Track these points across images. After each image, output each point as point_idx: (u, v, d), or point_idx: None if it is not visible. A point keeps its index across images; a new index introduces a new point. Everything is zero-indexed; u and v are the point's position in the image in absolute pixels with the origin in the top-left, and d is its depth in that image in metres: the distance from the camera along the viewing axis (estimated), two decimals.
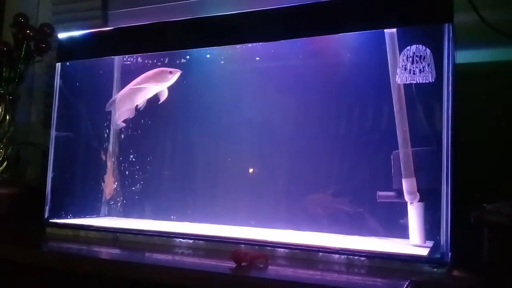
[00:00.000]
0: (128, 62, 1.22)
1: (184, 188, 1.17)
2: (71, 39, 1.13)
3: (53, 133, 1.13)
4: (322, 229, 0.96)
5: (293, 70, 1.08)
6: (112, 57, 1.21)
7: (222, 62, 1.13)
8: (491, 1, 1.00)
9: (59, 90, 1.14)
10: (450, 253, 0.75)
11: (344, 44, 0.99)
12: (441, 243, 0.76)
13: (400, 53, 0.84)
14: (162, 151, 1.22)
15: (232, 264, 0.72)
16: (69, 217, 1.12)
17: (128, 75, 1.17)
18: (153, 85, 1.08)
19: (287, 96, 1.08)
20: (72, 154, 1.20)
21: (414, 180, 0.85)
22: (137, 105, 1.11)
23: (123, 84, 1.18)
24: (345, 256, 0.78)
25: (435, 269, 0.73)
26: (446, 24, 0.79)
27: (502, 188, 0.91)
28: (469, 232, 0.77)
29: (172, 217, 1.13)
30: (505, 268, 0.74)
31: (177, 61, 1.14)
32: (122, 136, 1.24)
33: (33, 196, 1.21)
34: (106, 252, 0.90)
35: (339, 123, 1.03)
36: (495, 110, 0.99)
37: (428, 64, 0.81)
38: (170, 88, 1.10)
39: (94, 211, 1.21)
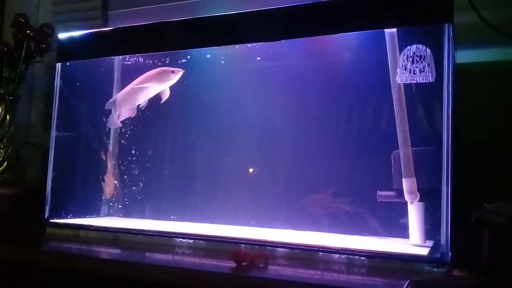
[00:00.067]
0: (128, 62, 1.22)
1: (184, 188, 1.17)
2: (71, 39, 1.13)
3: (53, 133, 1.13)
4: (322, 228, 0.96)
5: (293, 70, 1.08)
6: (112, 57, 1.21)
7: (223, 62, 1.13)
8: (491, 1, 1.00)
9: (59, 90, 1.14)
10: (450, 253, 0.75)
11: (344, 44, 0.99)
12: (441, 243, 0.76)
13: (400, 53, 0.84)
14: (163, 151, 1.22)
15: (232, 264, 0.72)
16: (69, 217, 1.12)
17: (128, 75, 1.17)
18: (155, 85, 1.08)
19: (287, 96, 1.08)
20: (72, 154, 1.20)
21: (414, 180, 0.85)
22: (139, 105, 1.11)
23: (123, 84, 1.18)
24: (345, 255, 0.78)
25: (435, 269, 0.73)
26: (446, 24, 0.79)
27: (502, 188, 0.91)
28: (469, 232, 0.77)
29: (172, 217, 1.13)
30: (505, 268, 0.74)
31: (178, 61, 1.13)
32: (122, 136, 1.24)
33: (33, 196, 1.21)
34: (106, 252, 0.90)
35: (339, 123, 1.03)
36: (495, 110, 0.99)
37: (428, 64, 0.81)
38: (170, 88, 1.10)
39: (94, 211, 1.21)
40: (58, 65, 1.14)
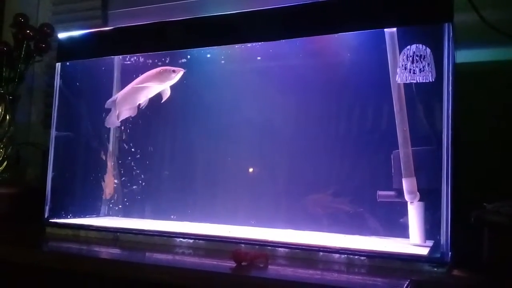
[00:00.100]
0: (128, 62, 1.22)
1: (184, 188, 1.17)
2: (71, 39, 1.13)
3: (53, 133, 1.13)
4: (322, 228, 0.96)
5: (293, 70, 1.08)
6: (112, 57, 1.21)
7: (223, 61, 1.13)
8: (491, 1, 1.00)
9: (59, 90, 1.14)
10: (450, 253, 0.75)
11: (344, 44, 0.99)
12: (441, 243, 0.76)
13: (400, 53, 0.84)
14: (162, 151, 1.22)
15: (232, 264, 0.72)
16: (69, 217, 1.12)
17: (128, 75, 1.17)
18: (156, 84, 1.08)
19: (287, 96, 1.08)
20: (72, 154, 1.20)
21: (414, 179, 0.85)
22: (139, 104, 1.11)
23: (123, 84, 1.18)
24: (345, 255, 0.78)
25: (435, 269, 0.73)
26: (446, 24, 0.79)
27: (502, 188, 0.91)
28: (469, 231, 0.77)
29: (172, 216, 1.13)
30: (505, 268, 0.74)
31: (178, 61, 1.13)
32: (122, 136, 1.24)
33: (33, 196, 1.21)
34: (106, 252, 0.90)
35: (339, 123, 1.03)
36: (495, 110, 0.99)
37: (428, 64, 0.81)
38: (170, 88, 1.10)
39: (94, 211, 1.21)
40: (58, 65, 1.14)
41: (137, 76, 1.12)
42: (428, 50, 0.82)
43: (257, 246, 0.85)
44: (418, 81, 0.82)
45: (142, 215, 1.18)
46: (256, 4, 0.95)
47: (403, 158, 0.86)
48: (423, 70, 0.81)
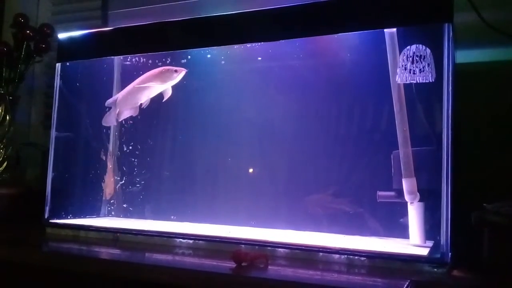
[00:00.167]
0: (128, 62, 1.22)
1: (184, 188, 1.17)
2: (71, 40, 1.13)
3: (53, 133, 1.13)
4: (322, 229, 0.96)
5: (293, 70, 1.08)
6: (112, 57, 1.21)
7: (223, 62, 1.13)
8: (490, 1, 1.00)
9: (59, 91, 1.14)
10: (450, 253, 0.75)
11: (344, 44, 0.99)
12: (441, 243, 0.76)
13: (400, 53, 0.84)
14: (163, 151, 1.22)
15: (232, 264, 0.72)
16: (69, 217, 1.12)
17: (128, 75, 1.17)
18: (158, 84, 1.07)
19: (287, 96, 1.08)
20: (72, 155, 1.20)
21: (414, 180, 0.85)
22: (141, 104, 1.11)
23: (123, 84, 1.18)
24: (345, 256, 0.78)
25: (435, 269, 0.73)
26: (446, 24, 0.79)
27: (502, 188, 0.91)
28: (469, 232, 0.77)
29: (172, 217, 1.13)
30: (505, 268, 0.74)
31: (177, 61, 1.13)
32: (122, 136, 1.24)
33: (33, 197, 1.21)
34: (106, 252, 0.90)
35: (339, 123, 1.03)
36: (495, 110, 0.99)
37: (428, 64, 0.81)
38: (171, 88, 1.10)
39: (94, 211, 1.21)
40: (58, 65, 1.14)
41: (137, 77, 1.12)
42: (428, 50, 0.82)
43: (257, 247, 0.85)
44: (418, 82, 0.82)
45: (142, 216, 1.18)
46: (256, 4, 0.95)
47: (403, 158, 0.86)
48: (423, 71, 0.81)
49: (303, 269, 0.76)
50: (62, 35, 1.14)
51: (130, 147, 1.23)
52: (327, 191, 1.01)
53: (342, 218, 0.97)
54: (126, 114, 1.13)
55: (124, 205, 1.21)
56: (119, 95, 1.14)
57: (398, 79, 0.84)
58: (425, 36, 0.84)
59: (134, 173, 1.22)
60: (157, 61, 1.15)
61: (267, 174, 1.10)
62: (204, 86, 1.14)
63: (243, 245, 0.86)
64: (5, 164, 1.33)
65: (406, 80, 0.83)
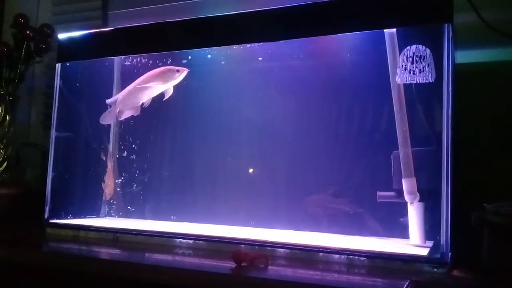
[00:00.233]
0: (128, 63, 1.22)
1: (184, 188, 1.17)
2: (71, 40, 1.13)
3: (53, 133, 1.13)
4: (322, 229, 0.96)
5: (293, 71, 1.08)
6: (112, 57, 1.21)
7: (223, 62, 1.13)
8: (490, 1, 1.00)
9: (59, 91, 1.14)
10: (450, 253, 0.75)
11: (344, 44, 0.99)
12: (441, 243, 0.76)
13: (400, 53, 0.84)
14: (163, 152, 1.22)
15: (232, 264, 0.72)
16: (69, 217, 1.12)
17: (129, 75, 1.17)
18: (160, 84, 1.07)
19: (287, 96, 1.08)
20: (72, 155, 1.20)
21: (414, 180, 0.85)
22: (142, 103, 1.11)
23: (124, 84, 1.18)
24: (345, 256, 0.78)
25: (435, 269, 0.73)
26: (446, 24, 0.79)
27: (502, 188, 0.91)
28: (469, 232, 0.77)
29: (172, 217, 1.13)
30: (505, 268, 0.74)
31: (176, 62, 1.13)
32: (122, 136, 1.24)
33: (33, 197, 1.21)
34: (106, 252, 0.90)
35: (339, 123, 1.03)
36: (495, 110, 0.99)
37: (428, 64, 0.81)
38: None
39: (94, 211, 1.21)
40: (58, 65, 1.14)
41: (137, 77, 1.12)
42: (428, 50, 0.82)
43: (257, 247, 0.85)
44: (418, 82, 0.82)
45: (142, 216, 1.18)
46: (256, 4, 0.95)
47: (403, 158, 0.86)
48: (423, 71, 0.81)
49: (303, 269, 0.76)
50: (62, 36, 1.14)
51: (130, 147, 1.23)
52: (327, 191, 1.01)
53: (342, 218, 0.97)
54: (128, 113, 1.13)
55: (124, 205, 1.21)
56: (120, 94, 1.14)
57: (398, 79, 0.84)
58: (425, 36, 0.84)
59: (134, 173, 1.22)
60: (157, 61, 1.15)
61: (267, 174, 1.10)
62: (204, 86, 1.14)
63: (243, 245, 0.86)
64: (5, 164, 1.33)
65: (406, 80, 0.83)
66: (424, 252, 0.78)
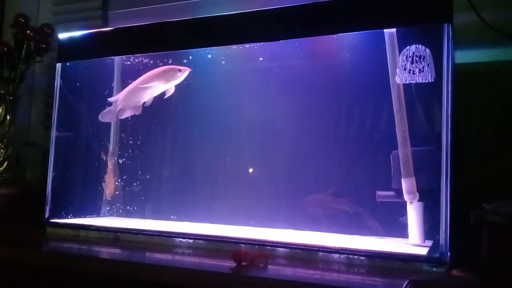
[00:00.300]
0: (129, 63, 1.22)
1: (185, 188, 1.17)
2: (72, 40, 1.13)
3: (53, 133, 1.13)
4: (322, 228, 0.97)
5: (293, 70, 1.08)
6: (113, 57, 1.21)
7: (223, 62, 1.13)
8: (490, 1, 1.00)
9: (59, 91, 1.14)
10: (449, 253, 0.75)
11: (344, 44, 0.99)
12: (440, 243, 0.76)
13: (399, 53, 0.84)
14: (163, 151, 1.22)
15: (232, 264, 0.73)
16: (69, 217, 1.12)
17: (129, 75, 1.17)
18: (162, 83, 1.07)
19: (287, 96, 1.08)
20: (72, 154, 1.20)
21: (413, 179, 0.85)
22: (144, 103, 1.11)
23: (124, 84, 1.18)
24: (345, 255, 0.79)
25: (434, 269, 0.73)
26: (446, 24, 0.79)
27: (502, 188, 0.91)
28: (468, 231, 0.77)
29: (173, 216, 1.13)
30: (504, 267, 0.74)
31: (175, 62, 1.13)
32: (122, 136, 1.24)
33: (33, 196, 1.21)
34: (107, 252, 0.91)
35: (339, 123, 1.03)
36: (495, 110, 0.99)
37: (428, 64, 0.81)
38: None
39: (95, 211, 1.21)
40: (58, 65, 1.14)
41: (137, 77, 1.12)
42: (428, 50, 0.82)
43: (257, 246, 0.85)
44: (418, 82, 0.82)
45: (142, 215, 1.18)
46: (256, 4, 0.95)
47: (403, 158, 0.86)
48: (423, 71, 0.81)
49: (302, 269, 0.76)
50: (62, 35, 1.14)
51: (131, 147, 1.23)
52: (326, 191, 1.01)
53: (342, 217, 0.98)
54: (129, 112, 1.13)
55: (125, 205, 1.22)
56: (122, 93, 1.14)
57: (397, 79, 0.85)
58: (425, 36, 0.84)
59: (135, 172, 1.22)
60: (158, 61, 1.15)
61: (267, 174, 1.10)
62: (204, 86, 1.14)
63: (243, 245, 0.86)
64: (5, 164, 1.33)
65: (406, 80, 0.83)
66: (424, 251, 0.78)
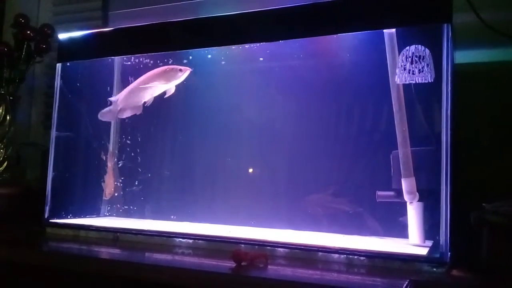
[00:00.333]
0: (129, 63, 1.22)
1: (184, 188, 1.17)
2: (72, 40, 1.13)
3: (53, 133, 1.13)
4: (322, 228, 0.97)
5: (293, 70, 1.08)
6: (113, 57, 1.21)
7: (223, 62, 1.13)
8: (489, 2, 1.00)
9: (59, 91, 1.14)
10: (449, 253, 0.75)
11: (344, 44, 0.99)
12: (441, 243, 0.76)
13: (399, 53, 0.84)
14: (163, 151, 1.22)
15: (232, 264, 0.73)
16: (69, 217, 1.12)
17: (129, 75, 1.17)
18: (162, 83, 1.07)
19: (287, 96, 1.08)
20: (72, 154, 1.20)
21: (413, 180, 0.85)
22: (144, 102, 1.11)
23: (124, 84, 1.18)
24: (345, 255, 0.78)
25: (435, 269, 0.73)
26: (445, 24, 0.79)
27: (502, 188, 0.91)
28: (468, 231, 0.77)
29: (172, 217, 1.13)
30: (504, 267, 0.74)
31: (176, 62, 1.13)
32: (122, 136, 1.24)
33: (33, 196, 1.21)
34: (106, 252, 0.91)
35: (339, 123, 1.03)
36: (495, 110, 0.99)
37: (427, 64, 0.81)
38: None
39: (94, 211, 1.21)
40: (58, 65, 1.14)
41: (137, 77, 1.12)
42: (427, 51, 0.82)
43: (256, 246, 0.85)
44: (417, 82, 0.82)
45: (142, 215, 1.18)
46: (257, 4, 0.95)
47: (402, 158, 0.86)
48: (422, 71, 0.82)
49: (302, 269, 0.76)
50: (62, 36, 1.14)
51: (130, 147, 1.23)
52: (326, 191, 1.01)
53: (342, 217, 0.98)
54: (129, 112, 1.13)
55: (124, 205, 1.21)
56: (122, 93, 1.14)
57: (397, 80, 0.85)
58: (424, 36, 0.84)
59: (134, 172, 1.22)
60: (158, 61, 1.15)
61: (267, 174, 1.10)
62: (203, 86, 1.14)
63: (242, 245, 0.86)
64: (5, 164, 1.33)
65: (405, 81, 0.83)
66: (424, 251, 0.78)
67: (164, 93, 1.09)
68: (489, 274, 0.74)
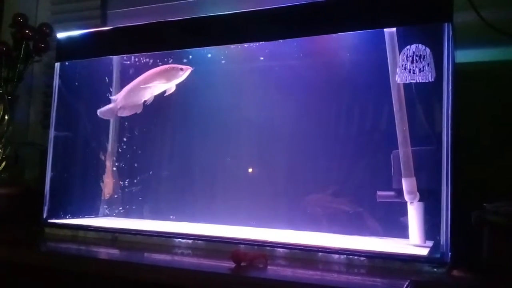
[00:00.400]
0: (127, 62, 1.21)
1: (184, 188, 1.17)
2: (70, 39, 1.13)
3: (51, 133, 1.13)
4: (321, 229, 0.96)
5: (292, 70, 1.08)
6: (111, 56, 1.21)
7: (223, 61, 1.12)
8: (490, 1, 1.00)
9: (58, 90, 1.14)
10: (450, 253, 0.75)
11: (344, 43, 0.99)
12: (441, 243, 0.76)
13: (399, 53, 0.84)
14: (162, 151, 1.22)
15: (231, 264, 0.72)
16: (67, 217, 1.12)
17: (127, 74, 1.17)
18: (163, 82, 1.07)
19: (287, 96, 1.08)
20: (70, 154, 1.20)
21: (414, 179, 0.85)
22: (145, 101, 1.10)
23: (123, 83, 1.18)
24: (345, 256, 0.78)
25: (435, 269, 0.73)
26: (446, 24, 0.79)
27: (502, 188, 0.91)
28: (469, 232, 0.77)
29: (171, 217, 1.12)
30: (505, 267, 0.74)
31: (175, 61, 1.13)
32: (121, 136, 1.24)
33: (31, 196, 1.21)
34: (105, 252, 0.90)
35: (339, 123, 1.03)
36: (495, 110, 0.99)
37: (428, 64, 0.81)
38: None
39: (93, 211, 1.20)
40: (57, 64, 1.14)
41: (136, 76, 1.11)
42: (428, 50, 0.81)
43: (256, 247, 0.84)
44: (418, 81, 0.82)
45: (141, 215, 1.18)
46: (255, 4, 0.95)
47: (403, 158, 0.86)
48: (423, 70, 0.81)
49: (302, 269, 0.76)
50: (61, 35, 1.14)
51: (129, 147, 1.23)
52: (326, 191, 1.00)
53: (342, 218, 0.97)
54: (129, 110, 1.13)
55: (123, 205, 1.21)
56: (122, 91, 1.14)
57: (397, 79, 0.84)
58: (425, 35, 0.84)
59: (133, 172, 1.21)
60: (158, 60, 1.15)
61: (266, 174, 1.10)
62: (203, 85, 1.14)
63: (242, 245, 0.85)
64: (3, 163, 1.32)
65: (406, 80, 0.83)
66: (424, 252, 0.77)
67: (164, 92, 1.09)
68: (490, 274, 0.74)
